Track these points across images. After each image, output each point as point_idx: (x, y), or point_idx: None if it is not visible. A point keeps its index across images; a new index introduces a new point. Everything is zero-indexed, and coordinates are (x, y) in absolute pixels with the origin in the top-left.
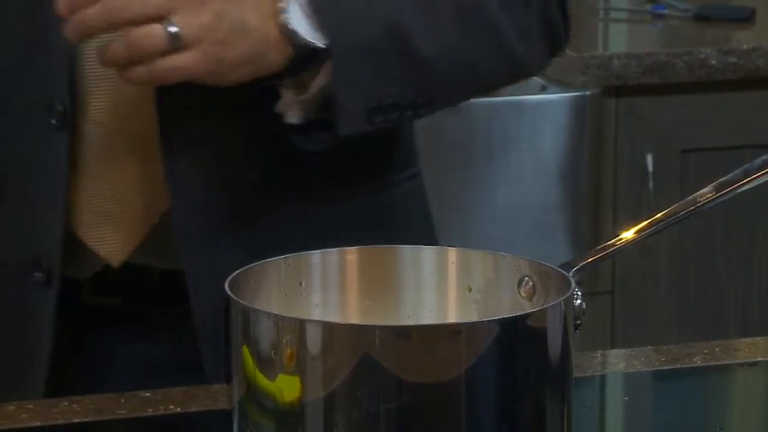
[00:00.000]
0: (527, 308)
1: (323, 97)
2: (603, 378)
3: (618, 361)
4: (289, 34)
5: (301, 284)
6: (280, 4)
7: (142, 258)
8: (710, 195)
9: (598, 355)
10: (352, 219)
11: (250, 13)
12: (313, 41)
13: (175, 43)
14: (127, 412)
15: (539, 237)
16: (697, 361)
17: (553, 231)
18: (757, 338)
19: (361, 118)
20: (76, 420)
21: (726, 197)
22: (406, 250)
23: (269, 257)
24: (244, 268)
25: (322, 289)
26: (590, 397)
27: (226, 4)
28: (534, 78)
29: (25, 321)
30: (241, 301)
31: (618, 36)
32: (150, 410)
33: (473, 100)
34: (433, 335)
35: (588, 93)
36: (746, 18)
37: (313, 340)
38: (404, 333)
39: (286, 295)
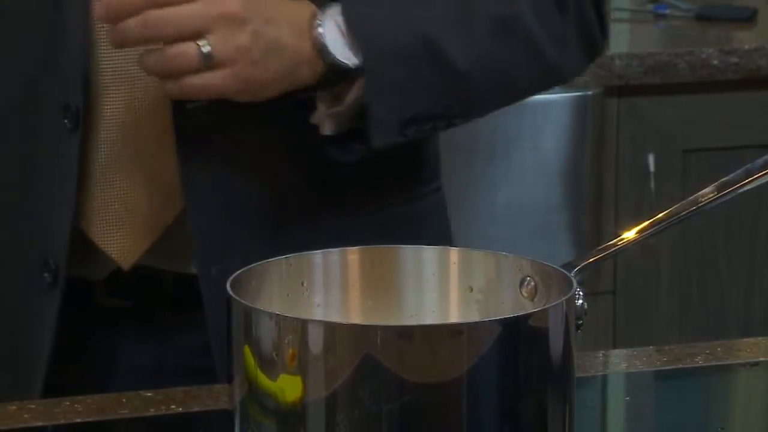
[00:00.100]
0: (529, 308)
1: (358, 107)
2: (605, 378)
3: (620, 361)
4: (322, 52)
5: (302, 284)
6: (316, 21)
7: (154, 261)
8: (712, 195)
9: (600, 355)
10: (375, 230)
11: (286, 30)
12: (345, 61)
13: (208, 63)
14: (129, 412)
15: (541, 237)
16: (699, 361)
17: (555, 231)
18: (759, 338)
19: (394, 130)
20: (78, 420)
21: (728, 197)
22: (408, 250)
23: None
24: (245, 268)
25: (323, 289)
26: (592, 397)
27: (263, 23)
28: None
29: (29, 321)
30: (243, 301)
31: (620, 36)
32: (152, 410)
33: None
34: (434, 335)
35: (590, 93)
36: (748, 18)
37: (315, 340)
38: (406, 333)
39: (287, 295)
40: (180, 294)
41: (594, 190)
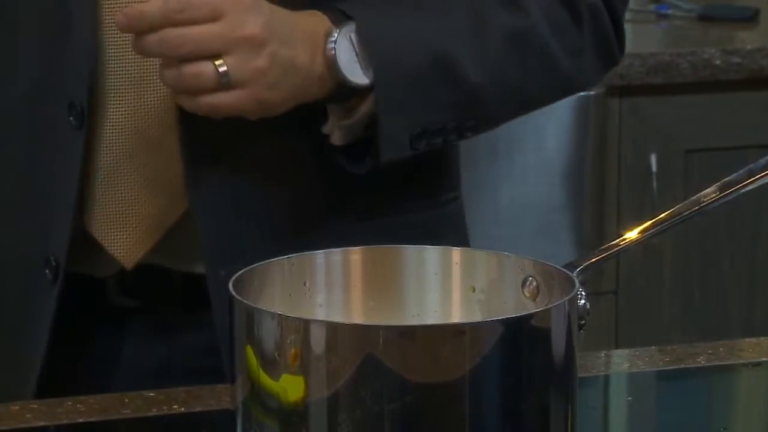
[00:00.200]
0: (531, 308)
1: (369, 118)
2: (607, 378)
3: (622, 361)
4: (333, 70)
5: (305, 284)
6: (330, 38)
7: (160, 260)
8: (714, 195)
9: (602, 355)
10: (389, 236)
11: (301, 50)
12: (354, 80)
13: (225, 84)
14: (132, 412)
15: (543, 237)
16: (701, 362)
17: (557, 231)
18: (761, 338)
19: (404, 146)
20: (81, 420)
21: (730, 197)
22: (410, 250)
23: None
24: (248, 268)
25: (326, 289)
26: (594, 397)
27: (280, 45)
28: None
29: (28, 317)
30: (245, 301)
31: None
32: (154, 410)
33: None
34: (437, 335)
35: (592, 93)
36: (750, 18)
37: (317, 340)
38: (408, 333)
39: (290, 295)
40: (188, 294)
41: (596, 190)
